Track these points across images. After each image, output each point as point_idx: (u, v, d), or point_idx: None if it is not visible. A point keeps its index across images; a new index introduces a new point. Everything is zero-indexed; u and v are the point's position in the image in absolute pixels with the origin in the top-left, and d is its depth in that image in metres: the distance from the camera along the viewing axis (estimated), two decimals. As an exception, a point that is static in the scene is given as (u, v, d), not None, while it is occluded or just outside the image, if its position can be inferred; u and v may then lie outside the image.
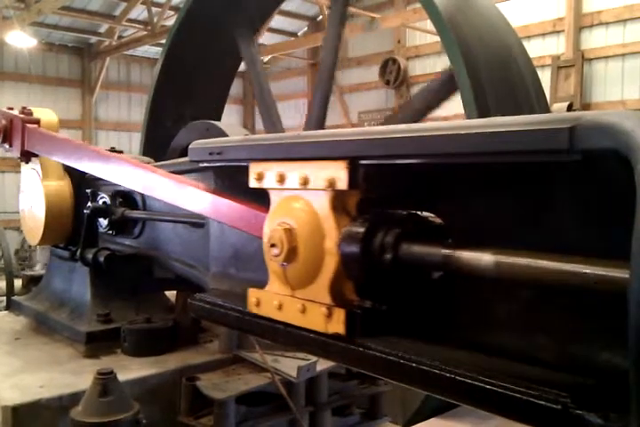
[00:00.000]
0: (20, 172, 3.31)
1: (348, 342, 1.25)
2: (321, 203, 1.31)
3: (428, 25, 11.79)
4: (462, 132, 1.05)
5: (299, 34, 18.65)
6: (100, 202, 2.90)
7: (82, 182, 3.12)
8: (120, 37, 17.28)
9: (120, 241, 2.94)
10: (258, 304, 1.46)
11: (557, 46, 12.83)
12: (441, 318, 1.29)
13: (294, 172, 1.36)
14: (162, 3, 15.95)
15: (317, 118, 3.45)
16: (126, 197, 2.83)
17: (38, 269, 7.60)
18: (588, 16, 12.37)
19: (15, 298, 3.60)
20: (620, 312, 0.83)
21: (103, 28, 17.24)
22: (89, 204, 2.87)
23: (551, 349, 1.10)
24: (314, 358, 2.48)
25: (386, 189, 1.33)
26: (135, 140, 15.39)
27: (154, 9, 15.82)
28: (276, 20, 16.36)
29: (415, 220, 1.28)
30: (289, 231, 1.33)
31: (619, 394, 0.87)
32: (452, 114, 13.36)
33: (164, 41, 4.80)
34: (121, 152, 3.30)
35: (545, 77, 11.71)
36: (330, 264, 1.28)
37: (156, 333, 2.74)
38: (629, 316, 0.79)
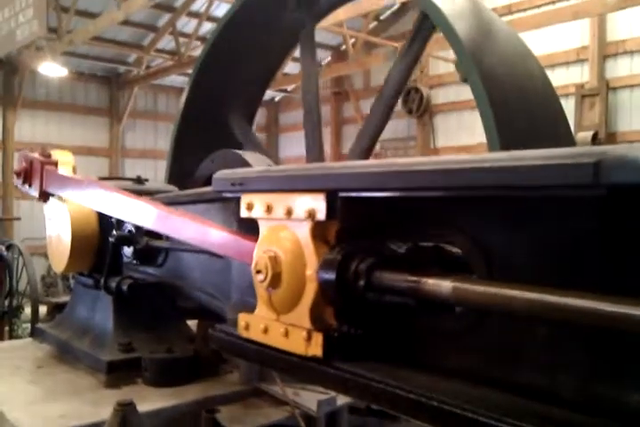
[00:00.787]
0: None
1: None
2: (303, 232, 1.39)
3: (451, 54, 11.89)
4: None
5: (322, 63, 18.89)
6: (126, 231, 2.92)
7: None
8: (148, 67, 17.66)
9: (143, 270, 2.96)
10: (247, 328, 1.55)
11: (582, 75, 12.80)
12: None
13: (280, 203, 1.46)
14: (189, 33, 16.31)
15: (316, 149, 3.47)
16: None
17: (64, 296, 7.65)
18: (612, 45, 12.35)
19: (39, 325, 3.62)
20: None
21: (132, 57, 17.65)
22: (114, 232, 2.89)
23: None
24: (334, 393, 2.44)
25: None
26: (161, 168, 15.59)
27: (181, 39, 16.19)
28: (301, 50, 16.55)
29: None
30: (274, 259, 1.41)
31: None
32: (476, 142, 13.38)
33: (190, 71, 4.89)
34: (146, 180, 3.35)
35: (569, 106, 11.68)
36: (310, 290, 1.36)
37: (177, 363, 2.73)
38: None
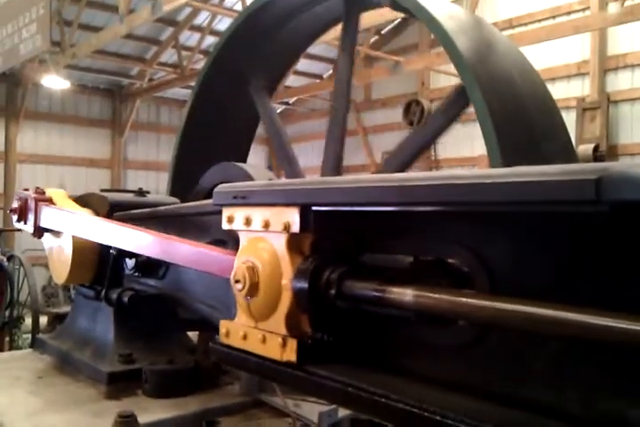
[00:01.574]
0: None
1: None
2: (279, 244, 1.47)
3: (452, 68, 11.96)
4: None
5: (324, 76, 18.99)
6: (127, 242, 2.93)
7: (109, 222, 3.16)
8: (151, 80, 17.77)
9: (144, 282, 2.96)
10: (227, 335, 1.62)
11: (582, 88, 12.87)
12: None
13: (258, 215, 1.54)
14: (192, 47, 16.43)
15: (335, 161, 3.48)
16: (153, 238, 2.86)
17: (64, 307, 7.65)
18: (613, 59, 12.43)
19: (40, 336, 3.62)
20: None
21: (134, 70, 17.76)
22: (115, 244, 2.90)
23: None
24: (335, 405, 2.44)
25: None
26: (163, 180, 15.63)
27: (184, 53, 16.30)
28: (302, 63, 16.69)
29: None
30: (251, 269, 1.49)
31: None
32: (477, 154, 13.42)
33: (193, 83, 4.92)
34: (148, 192, 3.37)
35: (570, 119, 11.72)
36: (286, 299, 1.43)
37: (178, 374, 2.72)
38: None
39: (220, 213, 2.21)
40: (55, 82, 14.36)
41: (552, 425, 1.04)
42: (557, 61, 13.01)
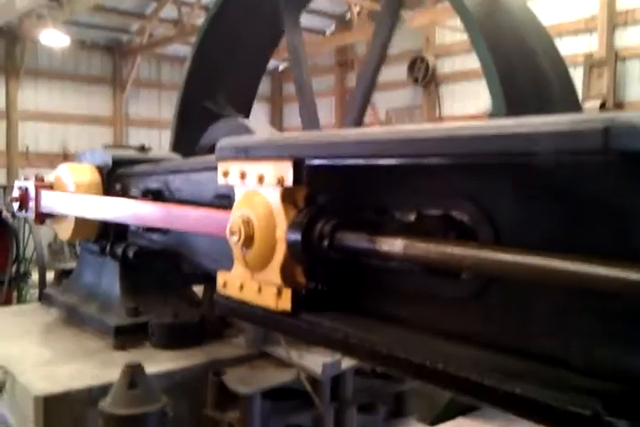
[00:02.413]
0: (54, 168, 3.37)
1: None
2: (274, 197, 1.50)
3: (458, 23, 11.72)
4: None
5: (327, 32, 18.65)
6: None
7: (112, 178, 3.16)
8: (151, 36, 17.47)
9: (149, 237, 2.98)
10: (224, 285, 1.66)
11: (590, 45, 12.64)
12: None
13: (253, 170, 1.55)
14: (192, 2, 16.10)
15: (357, 117, 3.45)
16: (156, 194, 2.86)
17: (70, 262, 7.74)
18: (621, 14, 12.17)
19: (47, 290, 3.67)
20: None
21: (134, 26, 17.46)
22: (119, 199, 2.91)
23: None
24: (339, 355, 2.49)
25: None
26: (165, 138, 15.56)
27: (183, 8, 15.98)
28: (305, 18, 16.32)
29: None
30: (247, 222, 1.52)
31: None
32: (482, 111, 13.27)
33: (193, 40, 4.85)
34: (150, 149, 3.36)
35: (577, 76, 11.55)
36: (280, 250, 1.46)
37: (183, 327, 2.77)
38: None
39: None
40: (54, 38, 14.14)
41: (552, 373, 1.06)
42: (565, 17, 12.74)
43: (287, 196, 1.47)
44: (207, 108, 4.46)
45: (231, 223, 1.57)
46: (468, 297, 1.29)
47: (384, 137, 1.26)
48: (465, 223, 1.30)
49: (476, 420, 3.25)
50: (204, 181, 2.46)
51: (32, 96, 16.79)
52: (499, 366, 1.09)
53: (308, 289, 1.44)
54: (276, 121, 20.49)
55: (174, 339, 2.73)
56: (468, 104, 14.38)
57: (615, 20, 12.21)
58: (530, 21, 3.06)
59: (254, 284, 1.53)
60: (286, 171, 1.44)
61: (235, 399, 2.43)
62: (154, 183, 2.81)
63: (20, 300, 6.33)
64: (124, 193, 2.98)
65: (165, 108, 18.27)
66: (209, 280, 2.66)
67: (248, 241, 1.51)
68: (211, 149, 3.29)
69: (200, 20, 14.41)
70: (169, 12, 16.66)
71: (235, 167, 1.62)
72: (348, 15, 17.30)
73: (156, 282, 3.05)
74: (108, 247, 3.03)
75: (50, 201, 3.20)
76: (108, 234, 3.06)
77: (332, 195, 1.52)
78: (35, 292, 6.36)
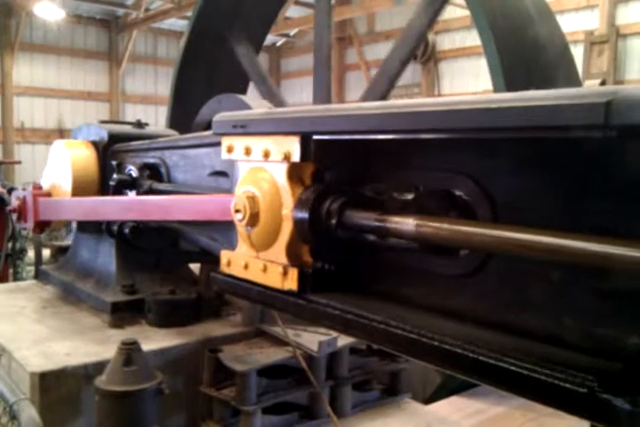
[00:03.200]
0: (50, 143, 3.34)
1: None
2: (279, 173, 1.45)
3: (459, -2, 11.54)
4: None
5: (326, 7, 18.35)
6: (126, 174, 2.91)
7: (108, 154, 3.13)
8: (147, 10, 17.22)
9: (145, 214, 2.96)
10: (228, 264, 1.63)
11: (591, 21, 12.48)
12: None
13: (258, 145, 1.50)
14: (189, -25, 15.82)
15: (324, 98, 3.43)
16: (153, 170, 2.84)
17: (66, 240, 7.72)
18: (624, -10, 12.00)
19: (43, 267, 3.66)
20: None
21: (130, 0, 17.20)
22: (114, 175, 2.88)
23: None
24: (335, 334, 2.49)
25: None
26: (162, 114, 15.40)
27: (181, -19, 15.71)
28: (304, -7, 16.14)
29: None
30: (252, 199, 1.48)
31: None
32: (481, 89, 13.19)
33: (190, 14, 4.77)
34: (147, 124, 3.32)
35: (578, 53, 11.43)
36: (286, 229, 1.42)
37: (180, 304, 2.77)
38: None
39: (219, 144, 2.19)
40: (49, 11, 13.93)
41: (547, 351, 1.05)
42: (567, -7, 12.58)
43: (294, 172, 1.43)
44: (204, 84, 4.40)
45: (236, 200, 1.53)
46: (465, 274, 1.28)
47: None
48: (465, 200, 1.29)
49: (470, 398, 3.28)
50: (201, 156, 2.43)
51: (27, 70, 16.60)
52: (494, 344, 1.08)
53: (315, 269, 1.41)
54: (273, 98, 20.30)
55: (170, 316, 2.73)
56: (468, 81, 14.26)
57: (617, -4, 12.06)
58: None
59: (259, 263, 1.51)
60: (293, 146, 1.40)
61: (231, 377, 2.44)
62: (150, 159, 2.79)
63: (17, 277, 6.31)
64: (120, 169, 2.95)
65: (162, 84, 18.08)
66: (206, 258, 2.66)
67: (253, 219, 1.47)
68: (207, 126, 3.26)
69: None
70: (165, -15, 16.42)
71: (239, 142, 1.58)
72: (348, -11, 17.05)
73: (153, 259, 3.04)
74: (104, 224, 3.01)
75: (49, 208, 3.16)
76: (104, 211, 3.04)
77: (338, 171, 1.47)
78: (31, 269, 6.35)
